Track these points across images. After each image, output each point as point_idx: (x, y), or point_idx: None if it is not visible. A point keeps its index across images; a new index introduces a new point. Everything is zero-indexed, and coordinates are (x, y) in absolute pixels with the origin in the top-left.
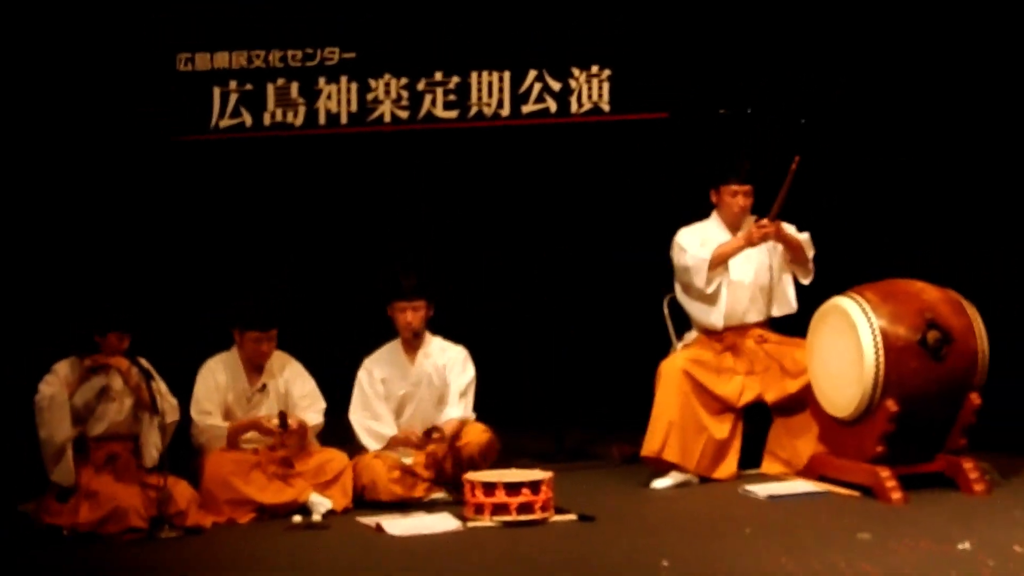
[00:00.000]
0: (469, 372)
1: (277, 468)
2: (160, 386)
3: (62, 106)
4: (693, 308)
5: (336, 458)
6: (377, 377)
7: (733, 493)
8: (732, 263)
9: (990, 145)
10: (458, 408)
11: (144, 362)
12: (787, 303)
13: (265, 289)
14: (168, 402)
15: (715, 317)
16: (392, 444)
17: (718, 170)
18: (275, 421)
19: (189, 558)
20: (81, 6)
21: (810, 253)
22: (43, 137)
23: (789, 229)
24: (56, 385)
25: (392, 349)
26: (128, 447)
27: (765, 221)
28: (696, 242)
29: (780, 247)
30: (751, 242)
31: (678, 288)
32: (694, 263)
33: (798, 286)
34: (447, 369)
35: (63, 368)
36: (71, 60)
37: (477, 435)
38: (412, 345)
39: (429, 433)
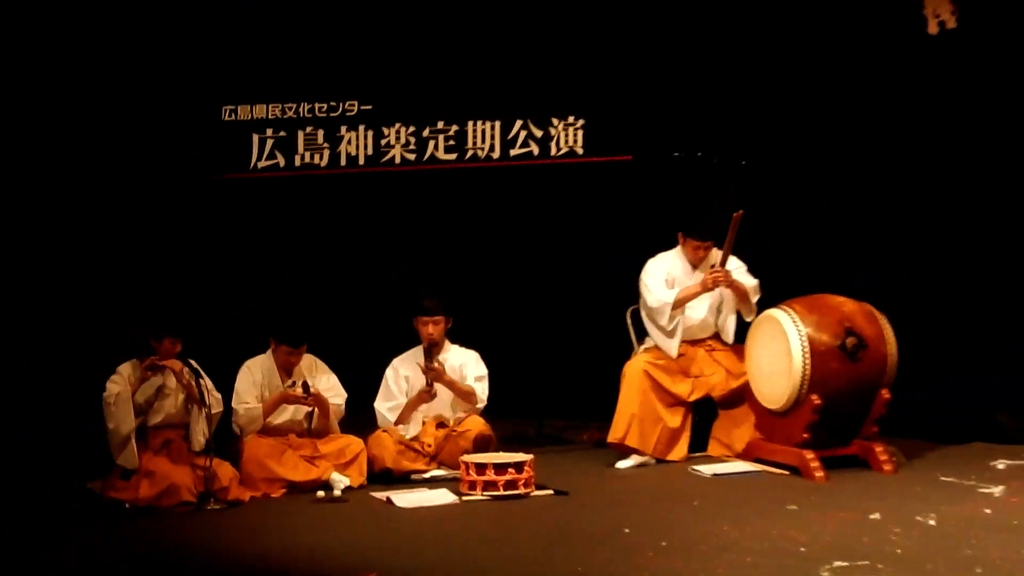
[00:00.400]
0: (483, 368)
1: (304, 451)
2: (207, 383)
3: (128, 148)
4: (654, 335)
5: (353, 443)
6: (402, 375)
7: (684, 472)
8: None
9: (893, 184)
10: (481, 389)
11: (194, 363)
12: (727, 335)
13: (298, 310)
14: (214, 396)
15: (671, 347)
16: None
17: (684, 223)
18: (299, 389)
19: (231, 526)
20: (140, 65)
21: (755, 298)
22: (110, 176)
23: (740, 273)
24: (121, 384)
25: (416, 352)
26: (180, 434)
27: (718, 268)
28: (661, 280)
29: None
30: (706, 287)
31: (642, 311)
32: (659, 305)
33: None
34: (464, 367)
35: (126, 369)
36: (135, 110)
37: (478, 427)
38: (432, 351)
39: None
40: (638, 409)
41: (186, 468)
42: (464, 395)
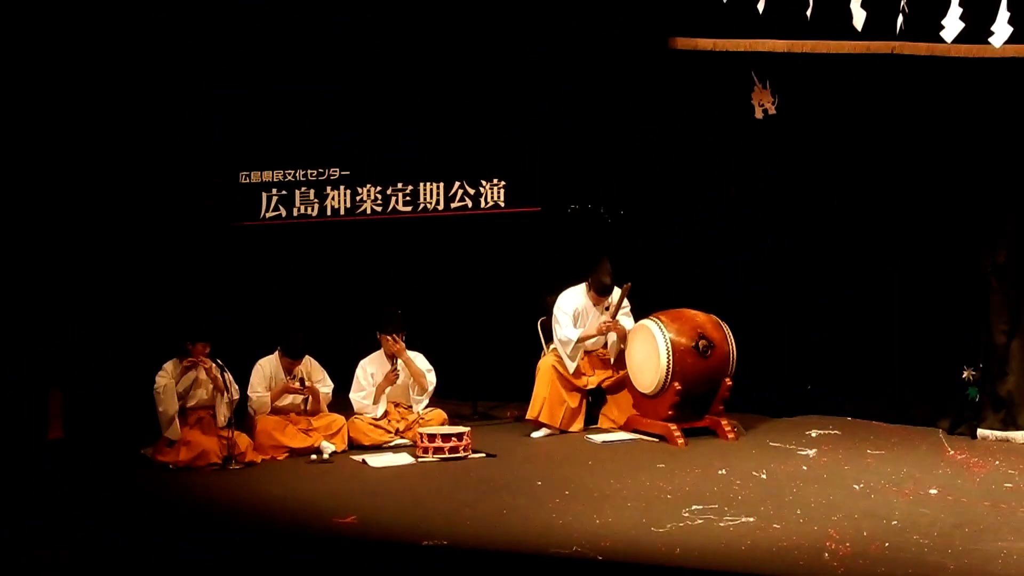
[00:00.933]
0: (428, 364)
1: (301, 425)
2: (229, 376)
3: (169, 203)
4: (560, 353)
5: (338, 419)
6: (369, 372)
7: (580, 440)
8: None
9: (731, 229)
10: (431, 377)
11: (220, 362)
12: (611, 349)
13: (298, 331)
14: (233, 387)
15: (571, 366)
16: (376, 392)
17: (591, 282)
18: (297, 384)
19: (248, 481)
20: (169, 139)
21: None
22: (149, 227)
23: (624, 316)
24: (167, 378)
25: (380, 355)
26: (209, 413)
27: (609, 320)
28: (570, 316)
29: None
30: (600, 332)
31: (554, 337)
32: (565, 339)
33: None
34: (415, 360)
35: (170, 366)
36: (177, 174)
37: (440, 417)
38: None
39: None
40: (548, 394)
41: (214, 438)
42: (417, 375)
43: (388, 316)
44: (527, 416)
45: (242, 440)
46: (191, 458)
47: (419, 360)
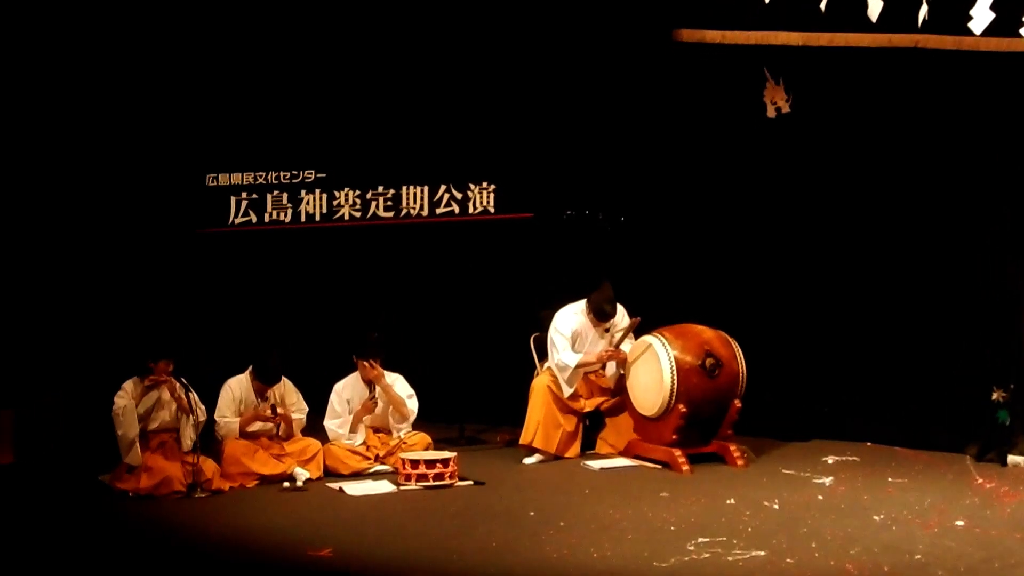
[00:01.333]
0: (409, 388)
1: (273, 451)
2: (194, 397)
3: (128, 207)
4: (557, 375)
5: (313, 444)
6: (344, 397)
7: (577, 466)
8: (589, 345)
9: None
10: (412, 404)
11: (184, 381)
12: (610, 371)
13: (272, 355)
14: (199, 408)
15: (567, 391)
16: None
17: (591, 306)
18: (268, 412)
19: (214, 510)
20: (141, 143)
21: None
22: (113, 230)
23: (627, 344)
24: (126, 398)
25: (356, 378)
26: (173, 436)
27: (612, 350)
28: (568, 339)
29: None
30: (600, 360)
31: (550, 359)
32: (562, 365)
33: None
34: (394, 384)
35: (129, 385)
36: (137, 176)
37: (424, 441)
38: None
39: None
40: (542, 417)
41: (177, 464)
42: (398, 403)
43: (364, 340)
44: (520, 441)
45: (208, 466)
46: (153, 485)
47: (399, 385)
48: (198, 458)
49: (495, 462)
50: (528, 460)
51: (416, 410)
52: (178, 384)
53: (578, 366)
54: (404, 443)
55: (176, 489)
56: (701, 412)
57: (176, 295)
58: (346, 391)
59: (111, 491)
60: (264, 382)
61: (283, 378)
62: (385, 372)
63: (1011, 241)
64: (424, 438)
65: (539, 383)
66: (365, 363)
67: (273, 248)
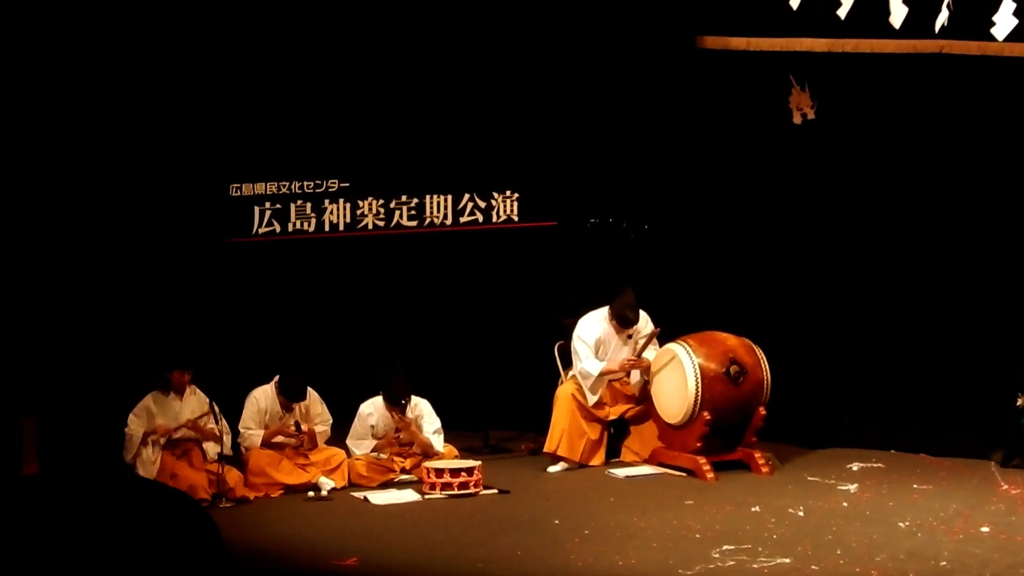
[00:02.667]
0: (437, 420)
1: (298, 460)
2: (224, 425)
3: (152, 217)
4: (580, 383)
5: (338, 453)
6: (369, 423)
7: (602, 474)
8: (612, 352)
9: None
10: (438, 442)
11: (216, 408)
12: (634, 378)
13: (298, 372)
14: (222, 422)
15: (591, 399)
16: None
17: (613, 312)
18: (292, 428)
19: (241, 519)
20: (165, 153)
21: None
22: (138, 239)
23: (649, 350)
24: (136, 424)
25: (383, 403)
26: (197, 445)
27: (634, 358)
28: (591, 346)
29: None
30: (623, 369)
31: (574, 367)
32: (586, 373)
33: None
34: (421, 418)
35: (148, 402)
36: (161, 185)
37: (452, 454)
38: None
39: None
40: (567, 425)
41: (202, 473)
42: (425, 445)
43: (389, 387)
44: (544, 449)
45: (232, 476)
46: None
47: (426, 417)
48: (222, 468)
49: (519, 470)
50: (553, 468)
51: (442, 446)
52: (200, 419)
53: (601, 374)
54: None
55: (201, 497)
56: (726, 420)
57: (200, 305)
58: (372, 416)
59: None
60: (288, 398)
61: (310, 390)
62: (412, 398)
63: None
64: (450, 450)
65: (563, 391)
66: (395, 415)
67: (297, 258)
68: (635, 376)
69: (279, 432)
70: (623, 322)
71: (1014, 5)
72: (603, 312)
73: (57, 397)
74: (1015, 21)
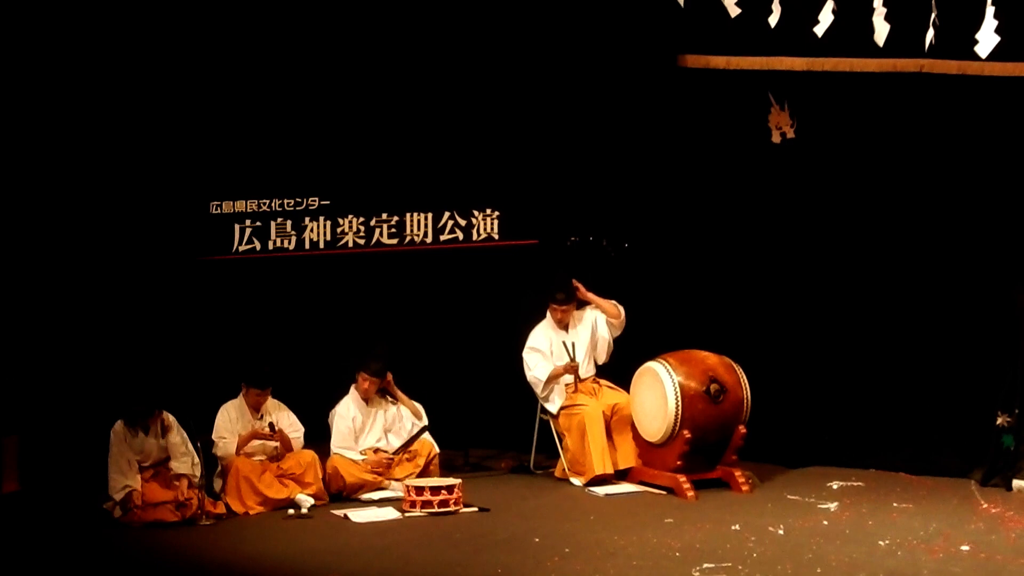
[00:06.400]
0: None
1: (276, 473)
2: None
3: (132, 235)
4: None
5: (304, 454)
6: (349, 416)
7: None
8: (577, 348)
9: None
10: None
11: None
12: (602, 358)
13: (263, 361)
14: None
15: (552, 408)
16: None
17: (547, 294)
18: (267, 429)
19: (221, 538)
20: (144, 171)
21: (615, 326)
22: (117, 257)
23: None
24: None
25: (352, 399)
26: (165, 466)
27: (567, 364)
28: (539, 354)
29: (601, 328)
30: (568, 371)
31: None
32: (533, 380)
33: (620, 350)
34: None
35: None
36: (140, 204)
37: (427, 448)
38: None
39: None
40: (592, 444)
41: (171, 493)
42: (414, 409)
43: (375, 355)
44: (586, 479)
45: (207, 500)
46: (150, 515)
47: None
48: (202, 492)
49: (500, 489)
50: (596, 490)
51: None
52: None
53: (550, 378)
54: (409, 452)
55: (169, 520)
56: (706, 438)
57: (179, 323)
58: (352, 409)
59: (114, 521)
60: (257, 386)
61: (277, 401)
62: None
63: (1015, 267)
64: (429, 445)
65: (575, 420)
66: (370, 380)
67: (277, 276)
68: (568, 378)
69: (254, 435)
70: (556, 298)
71: (996, 23)
72: (545, 322)
73: (40, 415)
74: (997, 39)
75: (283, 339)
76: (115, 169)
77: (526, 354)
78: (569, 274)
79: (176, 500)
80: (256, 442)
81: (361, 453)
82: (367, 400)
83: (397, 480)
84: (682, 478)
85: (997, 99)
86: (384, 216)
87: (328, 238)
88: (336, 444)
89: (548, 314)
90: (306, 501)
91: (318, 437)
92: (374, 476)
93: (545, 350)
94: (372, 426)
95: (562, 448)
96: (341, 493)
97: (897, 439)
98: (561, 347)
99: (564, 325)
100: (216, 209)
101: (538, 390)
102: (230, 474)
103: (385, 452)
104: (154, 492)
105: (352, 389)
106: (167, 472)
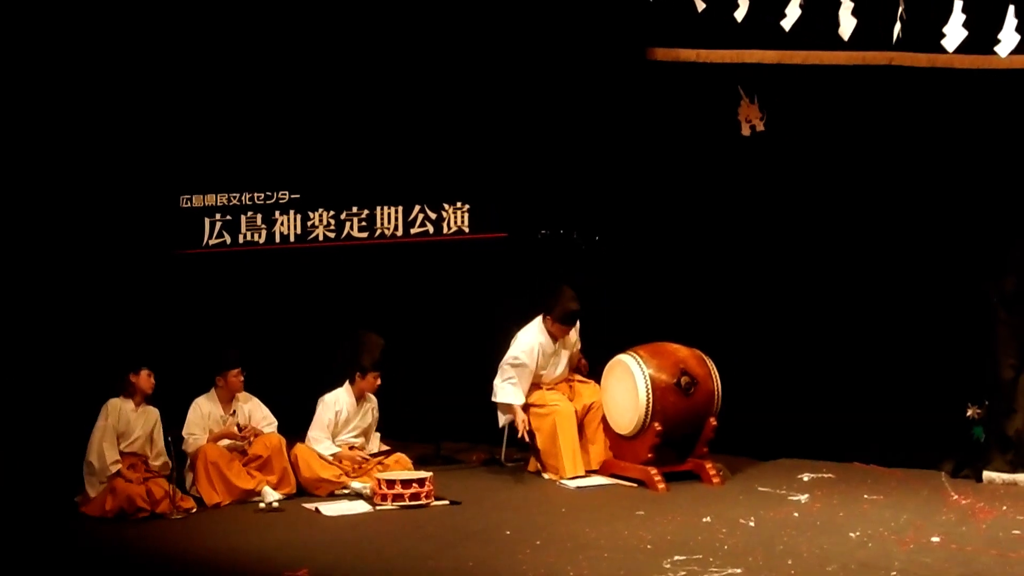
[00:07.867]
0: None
1: (244, 462)
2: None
3: (102, 229)
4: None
5: (276, 444)
6: (334, 410)
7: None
8: (551, 363)
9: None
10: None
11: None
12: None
13: (233, 347)
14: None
15: (521, 429)
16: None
17: (556, 313)
18: (235, 429)
19: (191, 532)
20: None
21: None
22: (81, 256)
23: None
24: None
25: (347, 392)
26: (143, 458)
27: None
28: (526, 364)
29: (578, 349)
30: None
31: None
32: (504, 405)
33: (591, 343)
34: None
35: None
36: (112, 201)
37: (404, 462)
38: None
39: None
40: (564, 444)
41: (144, 486)
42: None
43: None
44: (562, 478)
45: (178, 494)
46: (120, 507)
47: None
48: (173, 488)
49: (472, 482)
50: (567, 483)
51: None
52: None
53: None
54: (383, 462)
55: (139, 507)
56: (677, 430)
57: (150, 317)
58: (338, 403)
59: (78, 511)
60: (224, 367)
61: (249, 395)
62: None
63: (986, 258)
64: (404, 459)
65: (546, 421)
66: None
67: (247, 269)
68: (559, 368)
69: (224, 435)
70: (567, 318)
71: (963, 17)
72: (535, 325)
73: (9, 409)
74: (964, 33)
75: (254, 333)
76: (84, 163)
77: (504, 363)
78: (576, 298)
79: (147, 488)
80: (227, 441)
81: (336, 445)
82: (359, 398)
83: (358, 482)
84: (653, 470)
85: (966, 92)
86: (354, 209)
87: (298, 232)
88: (313, 431)
89: (543, 324)
90: (271, 495)
91: (291, 430)
92: (334, 476)
93: (531, 363)
94: (356, 423)
95: (532, 447)
96: (299, 484)
97: (868, 431)
98: (547, 357)
99: (555, 339)
100: (186, 203)
101: (495, 398)
102: (198, 460)
103: (360, 452)
104: (123, 486)
105: (347, 384)
106: (142, 464)
